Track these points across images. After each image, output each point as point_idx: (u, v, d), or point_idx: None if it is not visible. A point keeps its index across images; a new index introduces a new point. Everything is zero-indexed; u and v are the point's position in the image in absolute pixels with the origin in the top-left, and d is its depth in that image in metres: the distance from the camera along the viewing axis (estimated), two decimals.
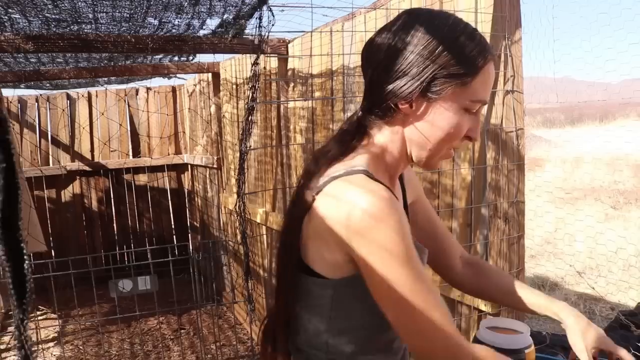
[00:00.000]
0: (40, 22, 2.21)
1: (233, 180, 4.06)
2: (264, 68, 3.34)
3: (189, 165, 5.48)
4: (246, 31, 2.59)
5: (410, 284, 0.80)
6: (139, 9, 2.15)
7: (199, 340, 3.76)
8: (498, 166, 1.90)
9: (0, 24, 2.14)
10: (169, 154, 5.54)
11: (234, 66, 3.84)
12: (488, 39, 1.52)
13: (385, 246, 0.79)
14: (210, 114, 4.53)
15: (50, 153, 5.25)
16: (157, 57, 3.49)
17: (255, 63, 1.87)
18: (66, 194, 5.28)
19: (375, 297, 0.83)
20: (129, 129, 5.45)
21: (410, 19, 0.88)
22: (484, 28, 1.83)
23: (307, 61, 2.87)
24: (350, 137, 0.93)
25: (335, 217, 0.82)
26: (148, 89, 5.42)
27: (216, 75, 4.26)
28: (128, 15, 2.24)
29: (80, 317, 4.32)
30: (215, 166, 4.43)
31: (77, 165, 5.21)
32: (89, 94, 5.29)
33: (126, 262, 5.12)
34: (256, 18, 1.89)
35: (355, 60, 2.42)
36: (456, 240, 1.26)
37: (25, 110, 5.15)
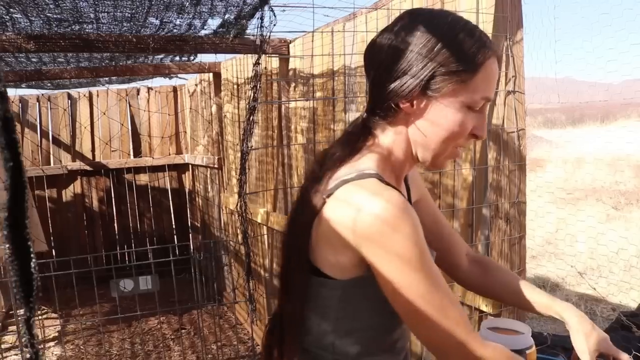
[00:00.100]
0: (41, 21, 2.21)
1: (234, 180, 4.06)
2: (265, 68, 3.34)
3: (190, 165, 5.48)
4: (247, 31, 2.59)
5: (427, 293, 0.80)
6: (140, 8, 2.16)
7: (199, 340, 3.76)
8: (499, 166, 1.90)
9: (2, 23, 2.14)
10: (170, 154, 5.54)
11: (235, 66, 3.84)
12: None
13: (399, 253, 0.78)
14: (212, 114, 4.53)
15: (52, 153, 5.26)
16: (158, 57, 3.49)
17: (257, 63, 1.87)
18: (67, 194, 5.28)
19: (393, 305, 0.84)
20: (130, 128, 5.46)
21: (411, 19, 0.88)
22: (486, 28, 1.83)
23: (308, 61, 2.87)
24: (356, 139, 0.93)
25: (347, 223, 0.81)
26: (149, 88, 5.43)
27: (217, 75, 4.26)
28: (129, 15, 2.25)
29: (81, 317, 4.33)
30: (216, 166, 4.43)
31: (78, 164, 5.21)
32: (90, 94, 5.30)
33: (127, 262, 5.13)
34: (257, 18, 1.89)
35: (357, 61, 2.43)
36: (461, 238, 1.25)
37: (27, 110, 5.15)
